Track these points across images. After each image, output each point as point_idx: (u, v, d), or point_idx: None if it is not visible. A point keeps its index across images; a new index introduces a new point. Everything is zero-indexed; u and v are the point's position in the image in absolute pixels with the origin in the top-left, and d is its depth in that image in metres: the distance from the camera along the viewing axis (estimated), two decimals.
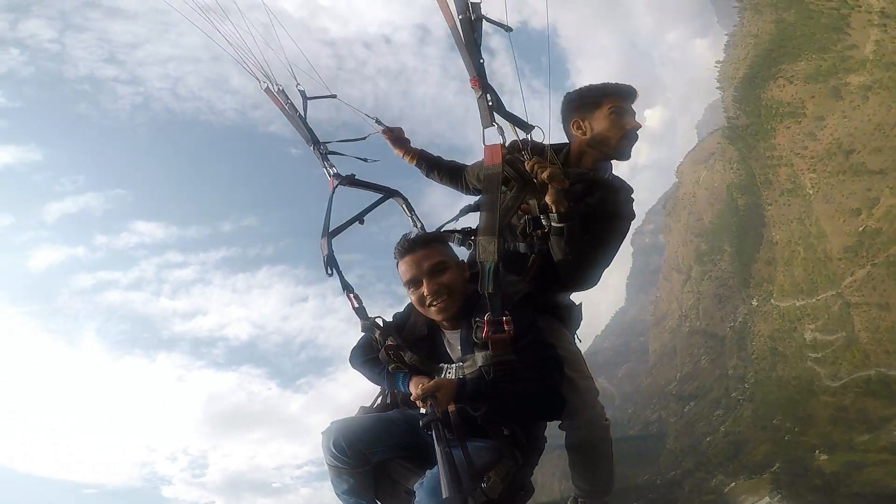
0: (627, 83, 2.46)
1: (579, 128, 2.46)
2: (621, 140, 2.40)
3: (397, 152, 3.00)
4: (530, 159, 2.14)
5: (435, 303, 2.07)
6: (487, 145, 2.13)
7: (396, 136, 2.95)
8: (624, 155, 2.44)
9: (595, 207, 2.29)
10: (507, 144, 2.25)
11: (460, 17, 2.05)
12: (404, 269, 2.14)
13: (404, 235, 2.24)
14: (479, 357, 1.95)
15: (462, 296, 2.10)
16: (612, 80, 2.51)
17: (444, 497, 1.31)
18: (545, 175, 2.07)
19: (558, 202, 2.12)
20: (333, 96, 2.89)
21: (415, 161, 2.97)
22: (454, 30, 2.05)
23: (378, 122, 2.93)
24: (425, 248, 2.13)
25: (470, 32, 2.05)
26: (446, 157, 3.01)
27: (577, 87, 2.53)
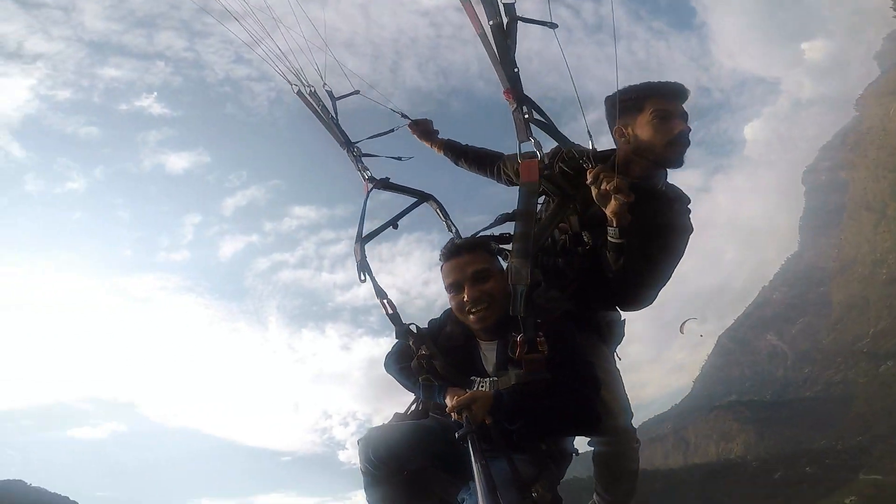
0: (675, 80, 2.22)
1: (622, 135, 2.27)
2: (667, 147, 2.17)
3: (425, 143, 2.98)
4: (592, 167, 1.98)
5: (475, 310, 2.04)
6: (523, 161, 1.96)
7: (423, 129, 2.95)
8: (674, 163, 2.23)
9: (648, 221, 2.06)
10: (548, 151, 2.16)
11: (491, 22, 1.77)
12: (447, 271, 2.12)
13: (451, 239, 2.22)
14: (514, 375, 1.92)
15: (502, 306, 2.01)
16: (655, 79, 2.24)
17: None
18: (610, 186, 1.90)
19: (621, 215, 1.95)
20: (357, 92, 2.82)
21: (442, 151, 2.94)
22: (483, 37, 1.80)
23: (404, 115, 2.90)
24: (470, 253, 2.10)
25: (502, 39, 1.78)
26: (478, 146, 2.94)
27: (621, 88, 2.23)
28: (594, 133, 2.05)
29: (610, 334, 2.46)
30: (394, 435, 2.02)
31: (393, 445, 1.97)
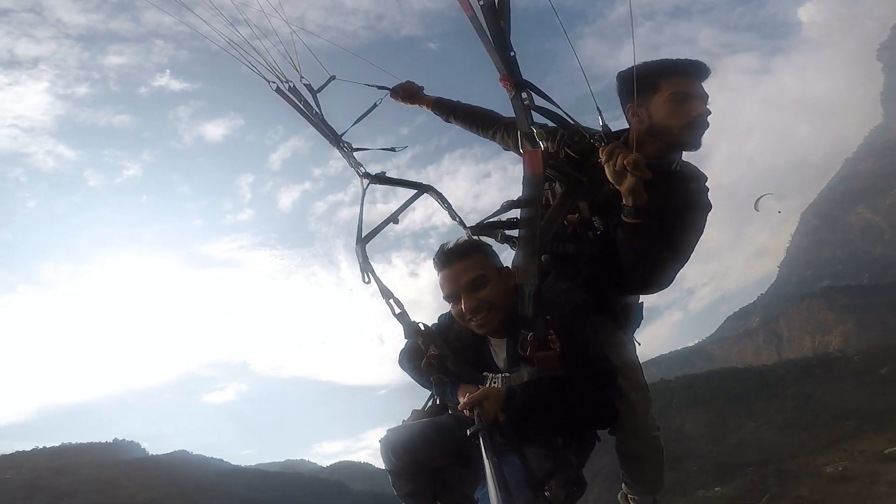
0: (694, 59, 2.05)
1: (636, 115, 2.11)
2: (684, 130, 2.04)
3: (411, 103, 2.84)
4: (605, 144, 1.82)
5: (474, 319, 1.97)
6: (527, 151, 1.89)
7: (407, 93, 2.79)
8: (692, 146, 2.09)
9: (664, 201, 1.90)
10: (553, 133, 2.09)
11: (481, 2, 1.66)
12: (442, 282, 2.03)
13: (441, 246, 2.06)
14: (526, 372, 1.87)
15: (504, 308, 1.97)
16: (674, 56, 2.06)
17: None
18: (627, 161, 1.73)
19: (637, 193, 1.78)
20: (333, 78, 2.70)
21: (432, 108, 2.80)
22: (474, 20, 1.70)
23: (381, 87, 2.76)
24: (462, 260, 2.00)
25: (495, 20, 1.66)
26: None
27: (635, 64, 2.00)
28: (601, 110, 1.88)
29: (626, 319, 2.34)
30: (411, 434, 2.02)
31: (410, 445, 1.98)
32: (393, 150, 2.83)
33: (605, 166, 1.83)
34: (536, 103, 1.94)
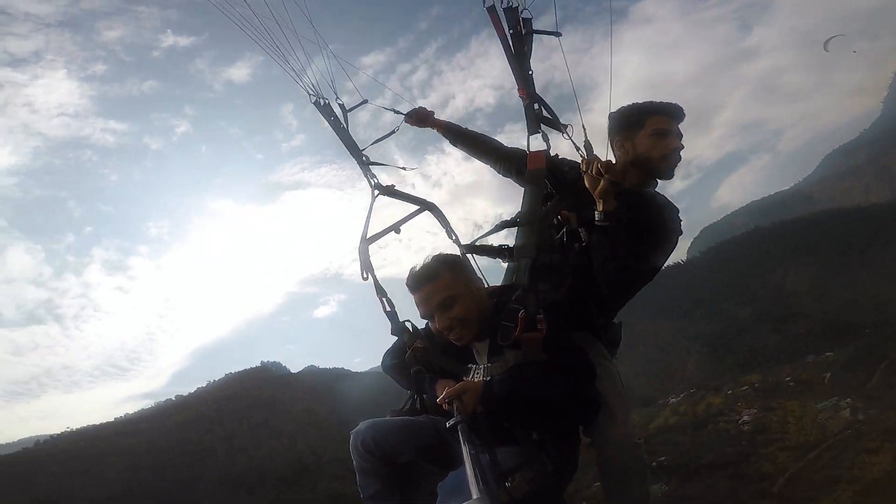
0: (673, 102, 2.38)
1: (622, 147, 2.39)
2: (662, 160, 2.33)
3: (423, 126, 3.06)
4: (584, 158, 2.14)
5: (450, 335, 2.07)
6: (532, 151, 2.21)
7: (420, 117, 3.01)
8: (666, 175, 2.39)
9: (640, 221, 2.18)
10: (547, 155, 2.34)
11: (510, 31, 2.13)
12: (417, 304, 2.12)
13: (411, 270, 2.14)
14: (511, 356, 1.92)
15: (477, 321, 2.06)
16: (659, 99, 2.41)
17: (473, 497, 1.24)
18: (601, 164, 2.04)
19: (607, 197, 2.04)
20: (366, 101, 2.94)
21: (442, 132, 3.01)
22: (504, 42, 2.14)
23: (397, 112, 2.99)
24: (431, 283, 2.07)
25: (521, 45, 2.14)
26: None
27: (622, 106, 2.44)
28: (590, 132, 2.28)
29: (605, 336, 2.46)
30: (383, 428, 2.04)
31: (381, 438, 2.00)
32: (403, 168, 3.06)
33: (584, 176, 2.13)
34: (544, 114, 2.34)
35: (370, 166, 2.81)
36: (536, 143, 2.41)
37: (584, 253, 2.24)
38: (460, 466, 1.62)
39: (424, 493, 2.04)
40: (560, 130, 2.34)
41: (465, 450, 1.47)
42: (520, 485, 1.70)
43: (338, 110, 2.86)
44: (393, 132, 3.01)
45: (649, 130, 2.32)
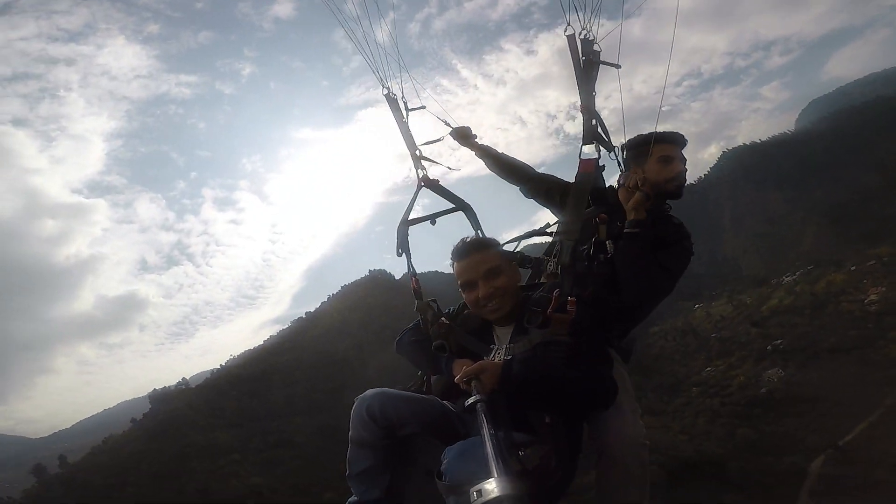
0: (676, 131, 2.65)
1: (636, 173, 2.59)
2: (668, 182, 2.59)
3: (464, 145, 3.21)
4: (622, 172, 2.51)
5: (489, 304, 2.13)
6: (585, 158, 2.45)
7: (462, 134, 3.17)
8: (675, 195, 2.66)
9: (662, 235, 2.46)
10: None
11: (583, 58, 2.44)
12: (460, 270, 2.20)
13: (462, 239, 2.28)
14: (537, 335, 1.98)
15: (515, 297, 2.17)
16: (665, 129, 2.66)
17: (491, 475, 1.23)
18: (640, 178, 2.42)
19: (640, 207, 2.36)
20: (423, 107, 3.14)
21: (478, 153, 3.18)
22: (577, 67, 2.44)
23: (447, 123, 3.18)
24: (481, 251, 2.19)
25: (589, 70, 2.46)
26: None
27: (631, 138, 2.75)
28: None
29: (619, 344, 2.55)
30: (392, 396, 1.99)
31: (389, 407, 1.95)
32: (450, 168, 3.17)
33: (620, 189, 2.54)
34: (598, 130, 2.60)
35: (421, 160, 3.03)
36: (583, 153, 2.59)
37: (608, 264, 2.45)
38: (468, 439, 1.73)
39: (421, 470, 2.00)
40: (609, 148, 2.65)
41: (483, 429, 1.48)
42: (531, 457, 1.69)
43: (402, 106, 3.11)
44: (440, 139, 3.21)
45: (655, 157, 2.60)
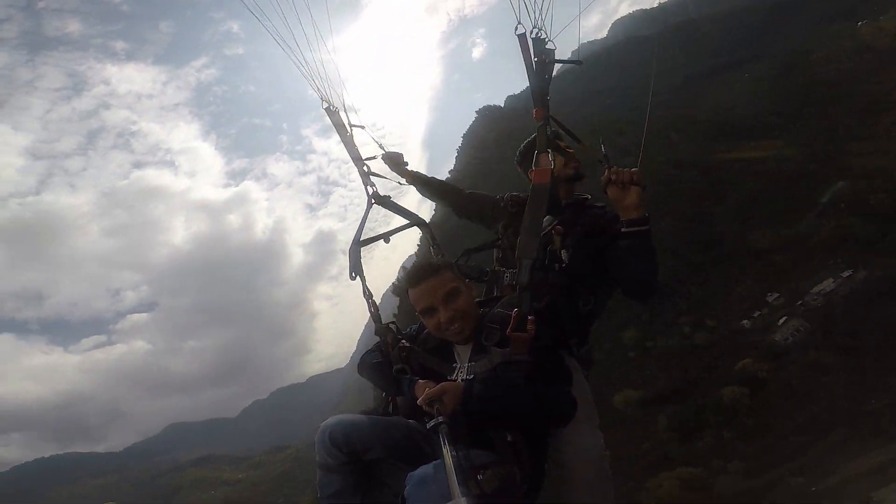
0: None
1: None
2: (565, 169, 2.63)
3: (395, 171, 3.14)
4: (611, 167, 2.30)
5: (451, 328, 2.10)
6: (539, 168, 2.22)
7: (393, 161, 3.10)
8: (576, 179, 2.75)
9: (607, 224, 2.48)
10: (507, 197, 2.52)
11: (535, 59, 2.23)
12: (417, 297, 2.14)
13: (414, 263, 2.22)
14: (496, 355, 1.98)
15: (475, 316, 2.15)
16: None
17: (452, 499, 1.25)
18: (633, 174, 2.25)
19: (641, 204, 2.25)
20: (363, 127, 3.05)
21: (410, 180, 3.14)
22: (529, 70, 2.25)
23: (381, 146, 3.10)
24: (437, 275, 2.14)
25: (542, 73, 2.25)
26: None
27: (521, 146, 2.83)
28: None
29: (578, 352, 2.54)
30: (353, 423, 2.01)
31: (351, 433, 1.96)
32: (400, 183, 3.14)
33: (607, 188, 2.31)
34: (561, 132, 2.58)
35: (370, 176, 2.90)
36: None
37: (562, 273, 2.48)
38: (431, 462, 1.68)
39: (389, 493, 2.00)
40: (579, 141, 2.60)
41: (445, 451, 1.48)
42: (491, 479, 1.67)
43: (346, 120, 2.95)
44: (372, 158, 3.09)
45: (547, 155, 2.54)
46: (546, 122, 2.28)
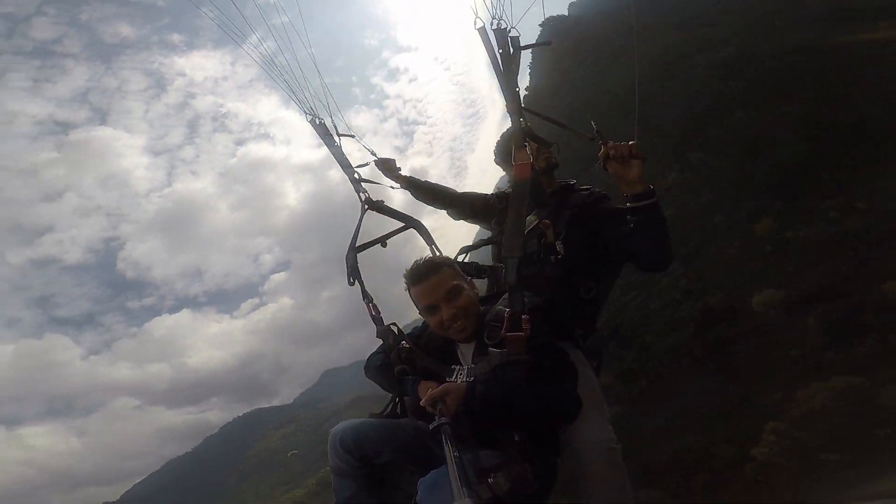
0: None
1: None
2: (536, 162, 2.56)
3: (388, 177, 3.19)
4: (607, 143, 2.20)
5: (453, 326, 2.09)
6: (518, 163, 2.15)
7: (386, 166, 3.15)
8: (551, 169, 2.72)
9: (594, 204, 2.47)
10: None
11: (500, 51, 2.07)
12: (420, 295, 2.13)
13: (415, 261, 2.20)
14: (495, 356, 1.96)
15: (477, 313, 2.14)
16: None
17: (454, 500, 1.24)
18: (631, 147, 2.14)
19: (643, 177, 2.15)
20: (353, 136, 3.03)
21: (402, 184, 3.19)
22: (494, 61, 2.10)
23: (373, 153, 3.13)
24: (438, 273, 2.13)
25: (509, 63, 2.09)
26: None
27: (498, 138, 2.90)
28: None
29: (585, 344, 2.47)
30: (364, 427, 2.02)
31: (360, 437, 1.98)
32: (392, 187, 3.20)
33: (607, 164, 2.21)
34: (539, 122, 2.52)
35: (361, 182, 2.89)
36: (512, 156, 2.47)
37: (558, 266, 2.40)
38: (442, 465, 1.60)
39: (403, 495, 2.00)
40: (563, 126, 2.50)
41: (447, 452, 1.48)
42: (501, 482, 1.65)
43: (333, 129, 2.93)
44: (365, 165, 3.11)
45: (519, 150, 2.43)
46: (519, 116, 2.18)
